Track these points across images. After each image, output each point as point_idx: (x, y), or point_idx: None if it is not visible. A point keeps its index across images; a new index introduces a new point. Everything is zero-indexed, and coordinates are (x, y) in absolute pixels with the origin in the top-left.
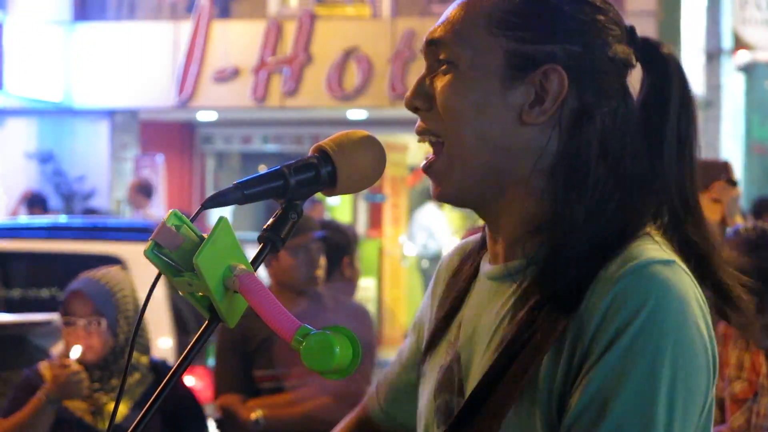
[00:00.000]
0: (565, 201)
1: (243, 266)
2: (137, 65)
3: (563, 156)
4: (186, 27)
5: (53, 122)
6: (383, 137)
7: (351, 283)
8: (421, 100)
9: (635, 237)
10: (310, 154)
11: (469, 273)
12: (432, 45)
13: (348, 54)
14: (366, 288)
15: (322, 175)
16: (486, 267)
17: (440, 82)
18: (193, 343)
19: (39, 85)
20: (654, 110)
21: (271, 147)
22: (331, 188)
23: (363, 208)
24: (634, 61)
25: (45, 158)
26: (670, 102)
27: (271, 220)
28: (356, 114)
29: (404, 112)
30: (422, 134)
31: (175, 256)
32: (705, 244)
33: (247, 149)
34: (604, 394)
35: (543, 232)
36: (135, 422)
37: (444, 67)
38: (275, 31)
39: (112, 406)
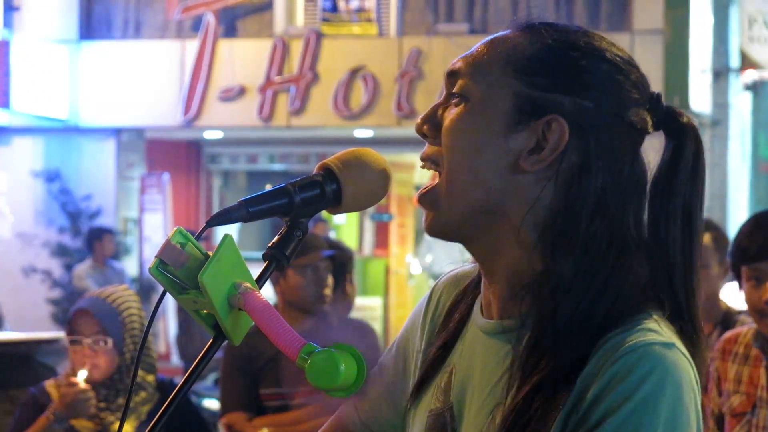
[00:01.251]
0: (553, 257)
1: (248, 284)
2: (143, 84)
3: (556, 209)
4: (192, 46)
5: (59, 140)
6: (390, 156)
7: (349, 301)
8: (430, 127)
9: (634, 311)
10: (315, 171)
11: (463, 313)
12: (451, 76)
13: (354, 73)
14: (372, 307)
15: (327, 193)
16: (479, 319)
17: (449, 114)
18: (198, 360)
19: (45, 103)
20: (667, 177)
21: (278, 166)
22: (336, 206)
23: (369, 227)
24: (650, 127)
25: (51, 177)
26: (681, 170)
27: (276, 237)
28: (363, 133)
29: (411, 132)
30: (425, 161)
31: (180, 274)
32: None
33: (253, 168)
34: None
35: (533, 290)
36: None
37: (456, 100)
38: (282, 50)
39: (117, 425)
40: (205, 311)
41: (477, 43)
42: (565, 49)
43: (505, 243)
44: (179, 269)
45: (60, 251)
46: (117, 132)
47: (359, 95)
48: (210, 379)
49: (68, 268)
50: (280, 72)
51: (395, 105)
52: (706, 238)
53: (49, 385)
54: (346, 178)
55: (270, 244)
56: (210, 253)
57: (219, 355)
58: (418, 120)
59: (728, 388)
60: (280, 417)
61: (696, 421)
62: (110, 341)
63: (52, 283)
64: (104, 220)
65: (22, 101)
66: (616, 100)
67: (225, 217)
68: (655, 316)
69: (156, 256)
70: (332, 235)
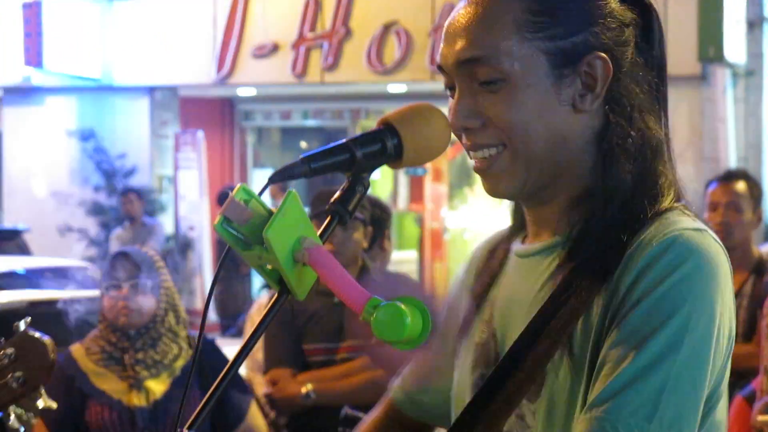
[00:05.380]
0: (609, 171)
1: (312, 239)
2: (176, 42)
3: (606, 130)
4: (225, 2)
5: (93, 99)
6: None
7: (386, 257)
8: (472, 120)
9: (666, 209)
10: (375, 127)
11: (501, 258)
12: (465, 65)
13: (387, 28)
14: (407, 260)
15: (388, 148)
16: (518, 246)
17: (493, 100)
18: (264, 315)
19: (78, 62)
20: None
21: (311, 122)
22: (397, 161)
23: (404, 181)
24: (629, 16)
25: (86, 136)
26: (655, 44)
27: (338, 193)
28: (396, 88)
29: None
30: (480, 149)
31: (245, 230)
32: None
33: (286, 124)
34: (639, 335)
35: (583, 205)
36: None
37: (489, 86)
38: (314, 6)
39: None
40: (269, 267)
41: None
42: None
43: (566, 180)
44: (243, 225)
45: (95, 210)
46: (150, 90)
47: (392, 50)
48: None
49: (104, 226)
50: (312, 28)
51: (428, 59)
52: (742, 186)
53: (75, 349)
54: (407, 132)
55: (332, 200)
56: (274, 209)
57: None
58: (454, 118)
59: None
60: (324, 372)
61: (730, 298)
62: (149, 284)
63: (88, 241)
64: (139, 179)
65: (55, 61)
66: (613, 14)
67: (287, 173)
68: (680, 208)
69: (220, 213)
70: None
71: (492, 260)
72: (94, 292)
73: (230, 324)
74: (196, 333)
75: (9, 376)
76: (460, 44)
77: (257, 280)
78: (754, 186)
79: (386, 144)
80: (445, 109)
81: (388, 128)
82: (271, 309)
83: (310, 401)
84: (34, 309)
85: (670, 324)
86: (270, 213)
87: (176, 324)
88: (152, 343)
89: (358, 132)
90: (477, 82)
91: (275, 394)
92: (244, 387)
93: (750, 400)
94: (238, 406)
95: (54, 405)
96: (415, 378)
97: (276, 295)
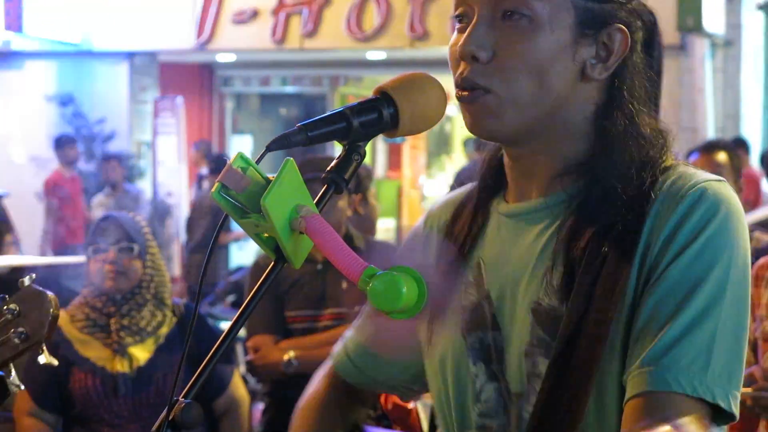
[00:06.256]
0: (613, 140)
1: (309, 207)
2: (156, 7)
3: (611, 105)
4: None
5: (72, 64)
6: None
7: (368, 221)
8: (483, 51)
9: (671, 165)
10: (371, 95)
11: (479, 218)
12: None
13: None
14: (386, 229)
15: (384, 117)
16: (506, 206)
17: (512, 34)
18: (260, 283)
19: (58, 27)
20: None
21: (290, 88)
22: (394, 129)
23: (382, 148)
24: (647, 14)
25: (65, 101)
26: (656, 47)
27: (334, 161)
28: (375, 55)
29: (423, 53)
30: (470, 88)
31: (242, 198)
32: None
33: (266, 91)
34: (683, 290)
35: (583, 170)
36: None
37: (512, 20)
38: None
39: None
40: (265, 235)
41: None
42: None
43: (560, 138)
44: (241, 193)
45: None
46: (130, 56)
47: (372, 17)
48: (227, 301)
49: (83, 192)
50: None
51: (408, 27)
52: (723, 156)
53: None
54: (403, 101)
55: (328, 168)
56: (271, 177)
57: (235, 278)
58: (466, 40)
59: (761, 314)
60: (307, 339)
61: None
62: (136, 248)
63: None
64: (118, 144)
65: (34, 25)
66: (636, 5)
67: (284, 141)
68: (681, 162)
69: (217, 181)
70: None
71: (461, 221)
72: (80, 258)
73: (207, 292)
74: (180, 300)
75: (11, 331)
76: None
77: (234, 250)
78: (735, 157)
79: (382, 113)
80: (437, 77)
81: (384, 97)
82: (268, 276)
83: (292, 369)
84: (15, 274)
85: (712, 275)
86: (267, 181)
87: (161, 290)
88: (138, 309)
89: (336, 99)
90: (500, 11)
91: (257, 361)
92: (227, 356)
93: None
94: (221, 376)
95: (55, 362)
96: (361, 345)
97: (272, 262)
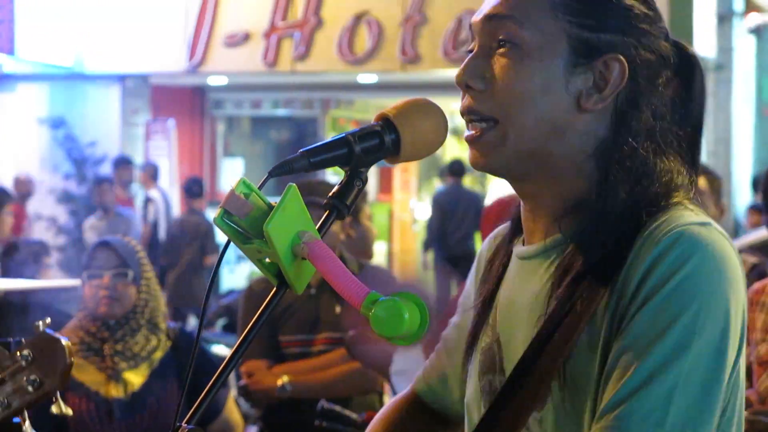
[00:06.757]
0: (612, 182)
1: (311, 233)
2: (148, 30)
3: (614, 142)
4: None
5: (64, 87)
6: (394, 101)
7: (360, 243)
8: (478, 80)
9: (670, 205)
10: (373, 122)
11: (504, 258)
12: (491, 21)
13: (359, 18)
14: (377, 252)
15: (386, 143)
16: (519, 248)
17: (502, 63)
18: (262, 309)
19: (50, 50)
20: (681, 103)
21: (282, 111)
22: (395, 155)
23: (373, 172)
24: (673, 57)
25: (56, 123)
26: (695, 98)
27: (336, 187)
28: (367, 78)
29: (415, 76)
30: (471, 114)
31: (245, 224)
32: None
33: (257, 114)
34: (647, 338)
35: (582, 209)
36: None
37: (505, 48)
38: None
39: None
40: (268, 260)
41: None
42: None
43: (560, 176)
44: (243, 219)
45: (65, 198)
46: (122, 78)
47: (363, 40)
48: (218, 325)
49: (74, 214)
50: (284, 17)
51: (399, 50)
52: (702, 181)
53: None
54: (405, 127)
55: (330, 194)
56: (274, 203)
57: (227, 301)
58: (460, 72)
59: (756, 338)
60: (300, 364)
61: (742, 290)
62: (131, 274)
63: (57, 229)
64: (109, 167)
65: (26, 48)
66: (652, 35)
67: (287, 167)
68: (689, 206)
69: (220, 206)
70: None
71: (496, 259)
72: (74, 282)
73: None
74: (175, 325)
75: (24, 379)
76: (495, 3)
77: (225, 273)
78: (714, 180)
79: (384, 139)
80: (435, 100)
81: (386, 123)
82: (270, 302)
83: (286, 393)
84: (9, 298)
85: (678, 325)
86: (270, 207)
87: (155, 315)
88: (132, 334)
89: (327, 122)
90: (496, 40)
91: (251, 386)
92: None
93: None
94: (216, 400)
95: (70, 412)
96: (436, 375)
97: (275, 288)
